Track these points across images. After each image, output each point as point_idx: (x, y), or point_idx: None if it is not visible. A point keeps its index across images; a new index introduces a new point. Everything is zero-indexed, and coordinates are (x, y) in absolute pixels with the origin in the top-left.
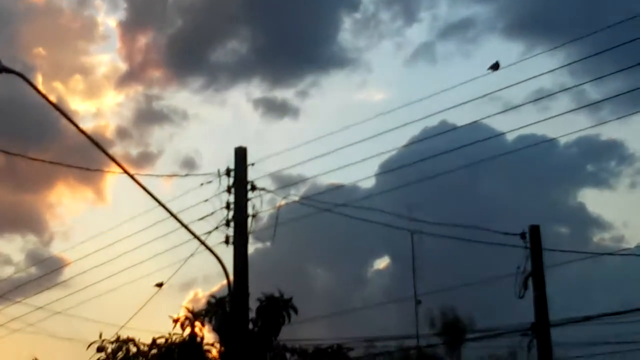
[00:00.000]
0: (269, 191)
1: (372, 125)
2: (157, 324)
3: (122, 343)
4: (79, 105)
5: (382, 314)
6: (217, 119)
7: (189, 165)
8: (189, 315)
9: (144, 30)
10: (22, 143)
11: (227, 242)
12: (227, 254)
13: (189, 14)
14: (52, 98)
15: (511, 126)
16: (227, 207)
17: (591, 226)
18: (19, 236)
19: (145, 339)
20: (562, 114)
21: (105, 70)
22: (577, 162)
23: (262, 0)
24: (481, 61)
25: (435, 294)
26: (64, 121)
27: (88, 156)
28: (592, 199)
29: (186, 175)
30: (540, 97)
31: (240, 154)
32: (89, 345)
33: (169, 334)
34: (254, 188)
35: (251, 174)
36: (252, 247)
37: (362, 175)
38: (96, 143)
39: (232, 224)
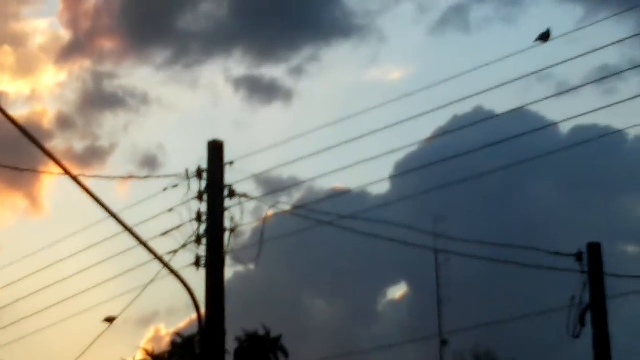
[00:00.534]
0: (252, 198)
1: (387, 113)
2: None
3: None
4: (7, 86)
5: (398, 358)
6: (187, 104)
7: (149, 164)
8: (148, 359)
9: None
10: None
11: (197, 264)
12: (198, 280)
13: None
14: None
15: (566, 114)
16: (198, 218)
17: None
18: None
19: None
20: (632, 98)
21: (43, 40)
22: None
23: None
24: (527, 30)
25: (467, 332)
26: None
27: (19, 152)
28: None
29: (146, 177)
30: (604, 77)
31: (215, 150)
32: None
33: None
34: (232, 194)
35: (229, 176)
36: (229, 270)
37: (373, 177)
38: (29, 135)
39: (204, 240)
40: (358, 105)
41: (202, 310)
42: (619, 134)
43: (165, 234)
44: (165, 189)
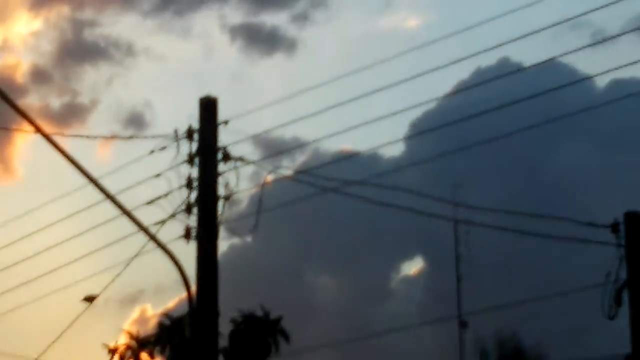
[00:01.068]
0: (249, 162)
1: (401, 66)
2: (87, 355)
3: None
4: None
5: (412, 341)
6: (177, 56)
7: (134, 123)
8: (133, 343)
9: None
10: None
11: (187, 236)
12: (188, 254)
13: None
14: None
15: (603, 67)
16: (189, 185)
17: None
18: None
19: None
20: None
21: None
22: None
23: None
24: None
25: (489, 313)
26: None
27: None
28: None
29: (130, 137)
30: None
31: (208, 108)
32: None
33: None
34: (227, 157)
35: (223, 137)
36: (224, 243)
37: (386, 138)
38: (0, 91)
39: (195, 209)
40: (369, 57)
41: (193, 288)
42: None
43: (151, 202)
44: (152, 152)
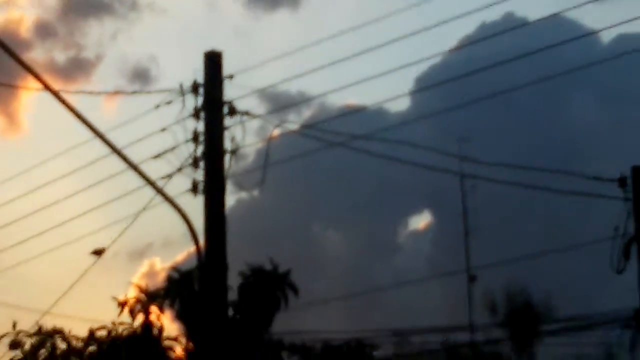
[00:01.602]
0: (255, 116)
1: (407, 20)
2: (96, 308)
3: (45, 336)
4: None
5: (420, 296)
6: (182, 10)
7: (140, 77)
8: (142, 296)
9: None
10: None
11: (194, 190)
12: (196, 207)
13: None
14: None
15: (608, 21)
16: (195, 139)
17: None
18: None
19: (78, 330)
20: None
21: None
22: None
23: None
24: None
25: (497, 267)
26: None
27: None
28: None
29: (136, 92)
30: None
31: (214, 62)
32: None
33: (113, 323)
34: (233, 111)
35: (229, 91)
36: (231, 197)
37: (392, 93)
38: (4, 45)
39: (201, 163)
40: (375, 11)
41: (201, 241)
42: None
43: (158, 156)
44: (157, 106)
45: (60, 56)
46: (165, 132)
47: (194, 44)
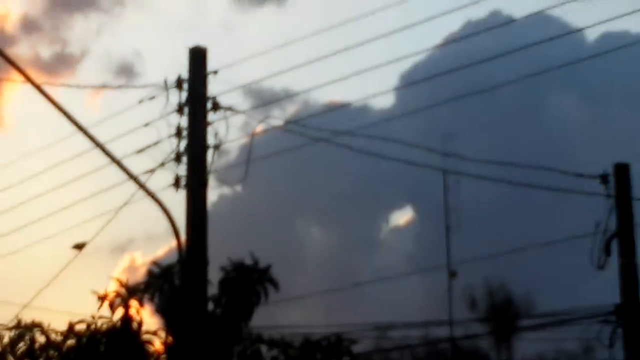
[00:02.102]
0: (239, 111)
1: (391, 16)
2: (77, 302)
3: (24, 330)
4: None
5: (401, 291)
6: (167, 5)
7: (124, 72)
8: (122, 290)
9: None
10: None
11: (177, 185)
12: (178, 202)
13: None
14: None
15: (593, 19)
16: (178, 134)
17: None
18: None
19: (58, 323)
20: None
21: None
22: None
23: None
24: None
25: (478, 263)
26: None
27: None
28: None
29: (120, 87)
30: None
31: (198, 57)
32: None
33: (93, 317)
34: (216, 107)
35: (213, 87)
36: (213, 192)
37: (376, 90)
38: None
39: (184, 158)
40: (360, 8)
41: (182, 236)
42: None
43: (141, 151)
44: (141, 101)
45: (45, 51)
46: (149, 127)
47: (179, 40)
